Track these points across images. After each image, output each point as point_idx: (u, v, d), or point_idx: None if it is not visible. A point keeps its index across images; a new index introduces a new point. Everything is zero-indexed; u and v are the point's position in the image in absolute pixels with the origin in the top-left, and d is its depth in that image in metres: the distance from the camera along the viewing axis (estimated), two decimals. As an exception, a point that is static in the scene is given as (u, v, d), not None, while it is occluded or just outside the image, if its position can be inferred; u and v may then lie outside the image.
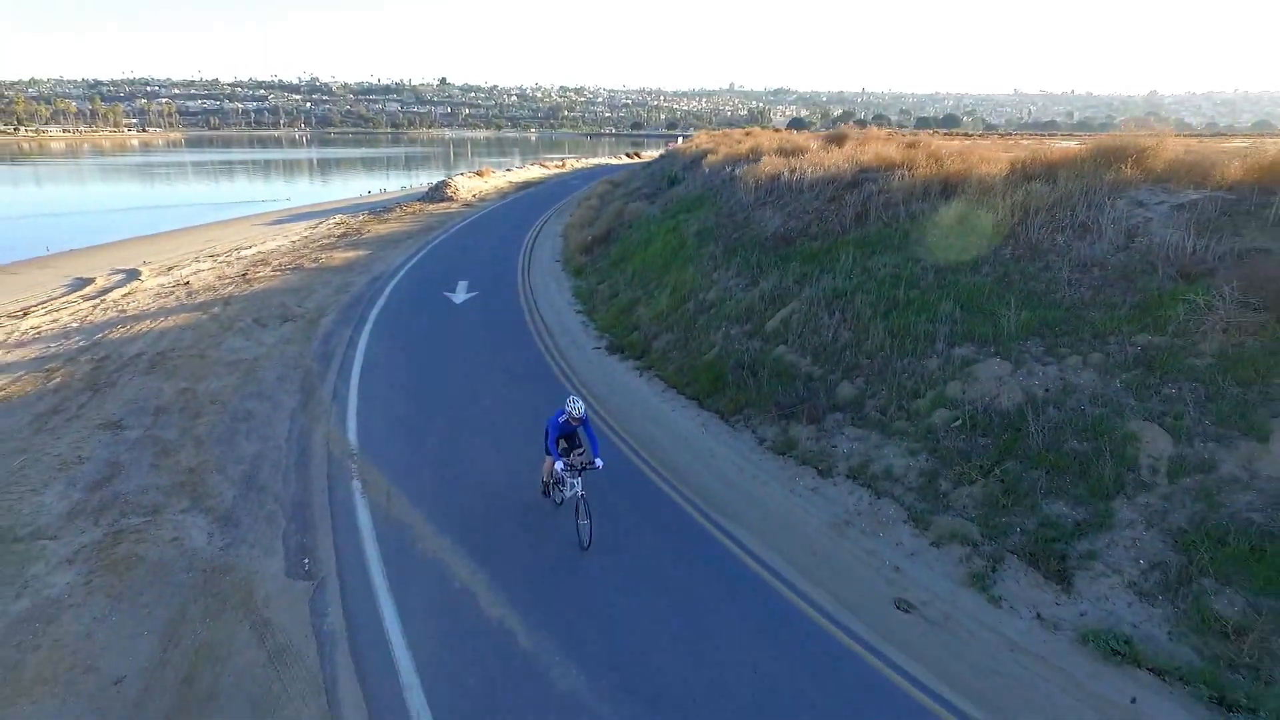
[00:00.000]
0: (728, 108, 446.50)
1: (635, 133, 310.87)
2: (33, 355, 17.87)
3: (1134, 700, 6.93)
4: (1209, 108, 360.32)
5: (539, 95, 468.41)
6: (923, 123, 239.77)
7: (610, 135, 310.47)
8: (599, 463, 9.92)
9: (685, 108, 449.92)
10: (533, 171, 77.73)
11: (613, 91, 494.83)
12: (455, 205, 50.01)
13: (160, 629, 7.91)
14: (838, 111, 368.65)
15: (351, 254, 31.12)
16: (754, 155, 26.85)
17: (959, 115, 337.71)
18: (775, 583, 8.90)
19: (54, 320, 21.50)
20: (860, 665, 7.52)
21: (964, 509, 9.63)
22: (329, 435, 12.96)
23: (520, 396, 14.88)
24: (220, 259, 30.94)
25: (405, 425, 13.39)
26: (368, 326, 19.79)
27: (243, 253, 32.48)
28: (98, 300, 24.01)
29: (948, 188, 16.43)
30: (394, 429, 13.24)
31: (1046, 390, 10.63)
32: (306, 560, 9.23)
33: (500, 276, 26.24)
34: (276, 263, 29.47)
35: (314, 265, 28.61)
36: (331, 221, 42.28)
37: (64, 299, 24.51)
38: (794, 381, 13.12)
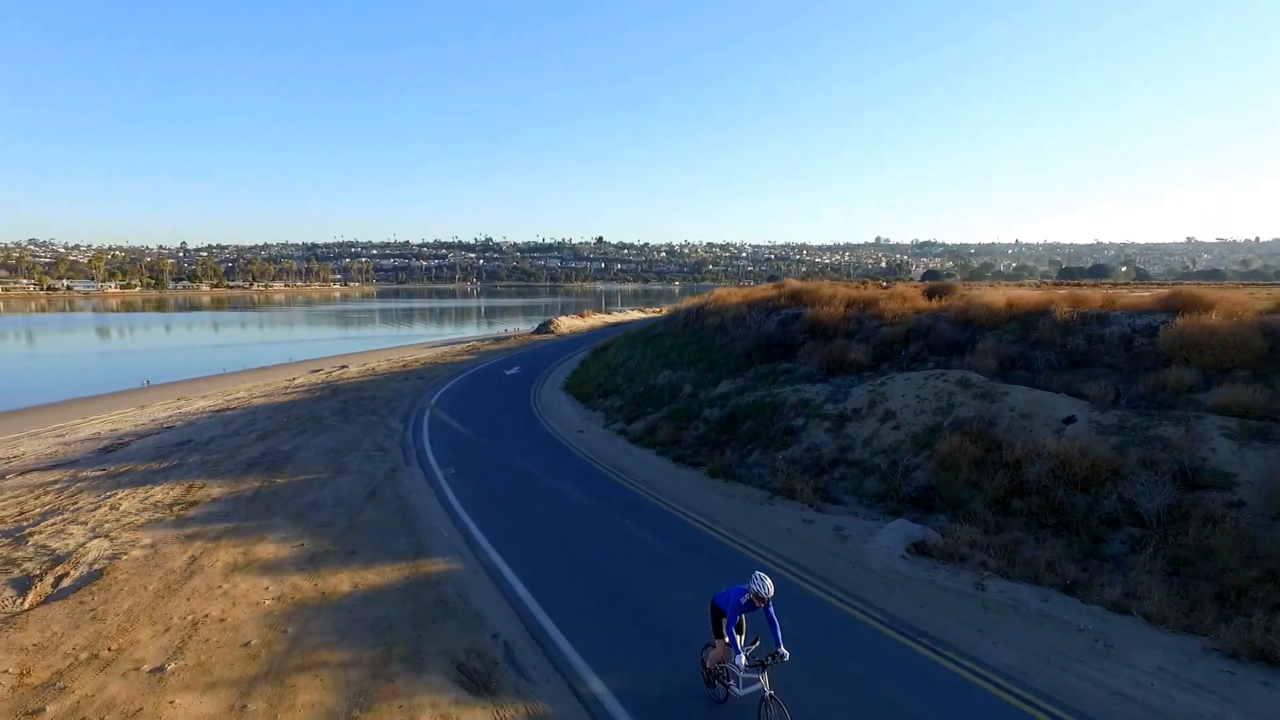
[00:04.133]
0: (869, 260, 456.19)
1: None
2: (304, 388, 38.71)
3: (623, 433, 24.07)
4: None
5: (686, 251, 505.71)
6: (1065, 273, 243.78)
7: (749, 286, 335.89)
8: (785, 653, 7.72)
9: (826, 260, 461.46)
10: (629, 314, 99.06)
11: (756, 247, 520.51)
12: (552, 336, 71.02)
13: (359, 428, 26.69)
14: (978, 264, 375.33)
15: (467, 358, 51.85)
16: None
17: (1112, 265, 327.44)
18: (544, 427, 26.48)
19: (308, 380, 42.84)
20: (561, 447, 24.62)
21: (622, 415, 26.91)
22: (425, 403, 32.00)
23: (508, 401, 33.35)
24: (393, 360, 52.56)
25: (455, 402, 32.18)
26: (454, 381, 39.34)
27: (406, 358, 54.09)
28: (327, 375, 45.49)
29: (721, 310, 33.88)
30: (451, 403, 32.03)
31: (677, 380, 27.82)
32: (406, 422, 27.90)
33: (540, 366, 45.46)
34: (424, 362, 50.51)
35: (443, 363, 49.34)
36: (464, 345, 64.23)
37: (308, 375, 46.22)
38: (610, 386, 30.82)
